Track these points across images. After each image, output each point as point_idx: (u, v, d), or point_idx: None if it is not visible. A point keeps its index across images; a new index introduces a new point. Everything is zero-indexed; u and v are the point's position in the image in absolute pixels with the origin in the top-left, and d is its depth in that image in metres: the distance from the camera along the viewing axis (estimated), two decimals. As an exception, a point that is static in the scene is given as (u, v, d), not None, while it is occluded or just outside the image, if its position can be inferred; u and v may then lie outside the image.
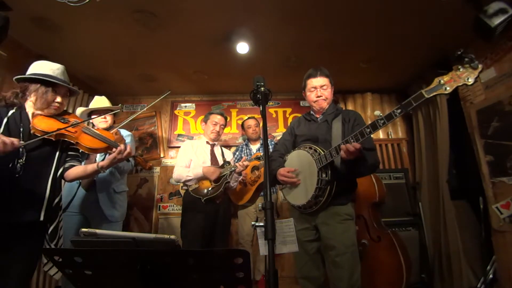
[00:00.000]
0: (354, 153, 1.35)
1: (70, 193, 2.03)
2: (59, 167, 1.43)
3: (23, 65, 1.58)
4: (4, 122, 1.31)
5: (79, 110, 2.16)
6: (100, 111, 2.14)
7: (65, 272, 0.88)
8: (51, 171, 1.40)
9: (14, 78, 1.40)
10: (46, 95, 1.36)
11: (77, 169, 1.47)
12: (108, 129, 2.05)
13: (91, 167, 1.47)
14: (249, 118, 3.18)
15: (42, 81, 1.37)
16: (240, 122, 3.48)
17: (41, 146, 1.38)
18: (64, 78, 1.46)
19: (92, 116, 2.14)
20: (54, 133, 1.34)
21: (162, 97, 2.17)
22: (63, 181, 1.51)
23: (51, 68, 1.42)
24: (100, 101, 2.21)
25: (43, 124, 1.35)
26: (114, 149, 1.45)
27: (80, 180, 2.02)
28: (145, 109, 2.26)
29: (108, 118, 2.15)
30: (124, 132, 2.26)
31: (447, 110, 2.77)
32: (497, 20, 1.66)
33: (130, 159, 2.14)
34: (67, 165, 1.48)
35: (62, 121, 1.43)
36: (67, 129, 1.39)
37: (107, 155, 2.11)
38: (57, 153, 1.44)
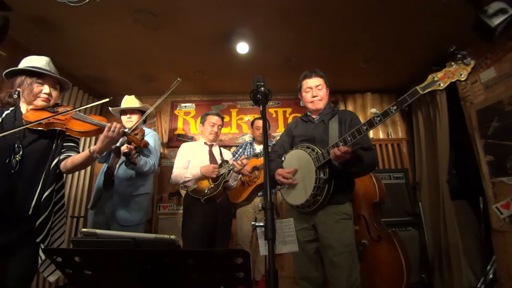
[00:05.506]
0: (341, 157, 1.37)
1: (97, 192, 2.02)
2: (54, 159, 1.40)
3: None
4: None
5: (110, 110, 2.26)
6: (127, 111, 2.20)
7: (65, 272, 0.88)
8: (47, 164, 1.37)
9: (3, 73, 1.39)
10: (31, 86, 1.36)
11: (71, 159, 1.42)
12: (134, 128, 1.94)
13: (83, 153, 1.40)
14: (260, 118, 3.12)
15: (27, 72, 1.37)
16: (240, 122, 3.46)
17: (36, 140, 1.37)
18: (50, 68, 1.43)
19: (122, 116, 2.23)
20: (36, 123, 1.31)
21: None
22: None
23: (36, 60, 1.43)
24: (129, 101, 2.25)
25: (33, 116, 1.34)
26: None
27: (103, 179, 2.00)
28: (166, 94, 1.90)
29: (134, 117, 2.18)
30: (148, 131, 2.21)
31: (447, 110, 2.77)
32: (497, 20, 1.66)
33: (152, 157, 2.07)
34: (62, 156, 1.42)
35: (52, 111, 1.42)
36: (56, 117, 1.36)
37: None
38: (54, 146, 1.41)
